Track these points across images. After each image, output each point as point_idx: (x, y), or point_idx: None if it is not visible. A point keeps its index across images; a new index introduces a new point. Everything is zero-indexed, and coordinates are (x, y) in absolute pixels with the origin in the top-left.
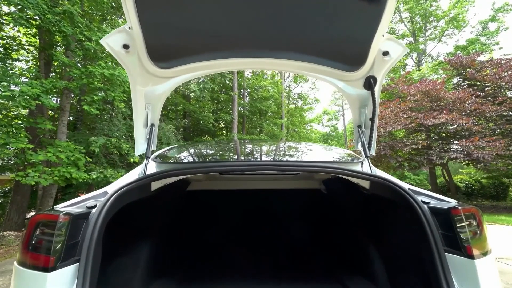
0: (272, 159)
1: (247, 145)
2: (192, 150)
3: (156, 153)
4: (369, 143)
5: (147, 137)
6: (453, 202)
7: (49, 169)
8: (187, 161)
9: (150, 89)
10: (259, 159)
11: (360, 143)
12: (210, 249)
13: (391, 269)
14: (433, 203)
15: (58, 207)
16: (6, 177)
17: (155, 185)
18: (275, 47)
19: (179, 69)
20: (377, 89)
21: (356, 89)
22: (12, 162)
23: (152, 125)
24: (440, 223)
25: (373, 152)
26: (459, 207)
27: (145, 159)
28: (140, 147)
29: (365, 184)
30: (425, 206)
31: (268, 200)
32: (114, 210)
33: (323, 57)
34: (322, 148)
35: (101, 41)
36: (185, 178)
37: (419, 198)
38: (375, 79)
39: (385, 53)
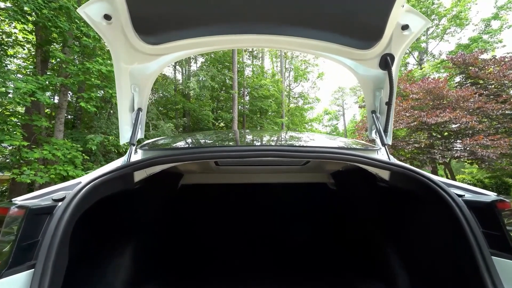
0: (276, 145)
1: (247, 135)
2: (186, 139)
3: (145, 142)
4: (385, 130)
5: (133, 122)
6: (492, 195)
7: (45, 167)
8: (176, 147)
9: (137, 67)
10: (260, 145)
11: (374, 131)
12: (205, 250)
13: (416, 274)
14: (468, 196)
15: (18, 199)
16: (2, 177)
17: (139, 176)
18: (280, 21)
19: (169, 45)
20: (395, 69)
21: (370, 69)
22: (8, 160)
23: (139, 109)
24: (480, 219)
25: (389, 140)
26: (508, 200)
27: (129, 146)
28: (126, 134)
29: (385, 175)
30: (460, 199)
31: (271, 195)
32: (88, 204)
33: (333, 32)
34: (330, 137)
35: (78, 10)
36: (176, 171)
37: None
38: (392, 57)
39: (405, 27)
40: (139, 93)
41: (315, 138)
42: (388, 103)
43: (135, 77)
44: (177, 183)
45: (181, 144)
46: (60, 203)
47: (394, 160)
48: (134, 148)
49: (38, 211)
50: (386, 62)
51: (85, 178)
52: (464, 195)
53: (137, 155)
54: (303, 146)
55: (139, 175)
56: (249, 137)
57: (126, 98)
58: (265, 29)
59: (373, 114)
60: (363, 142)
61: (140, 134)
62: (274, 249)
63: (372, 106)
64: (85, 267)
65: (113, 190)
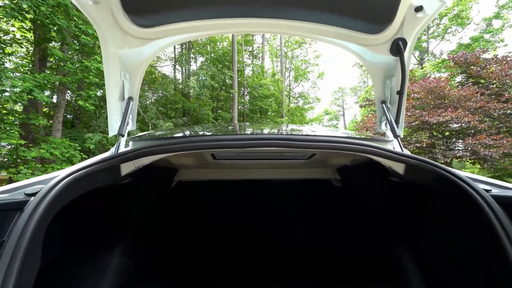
0: (280, 134)
1: (247, 128)
2: (184, 131)
3: (138, 134)
4: (397, 121)
5: (123, 112)
6: None
7: (43, 166)
8: (167, 137)
9: (127, 52)
10: (262, 134)
11: (384, 122)
12: (202, 250)
13: (432, 278)
14: (495, 191)
15: None
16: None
17: (127, 169)
18: (282, 4)
19: (163, 29)
20: (407, 54)
21: (380, 56)
22: (5, 159)
23: (130, 98)
24: None
25: (401, 132)
26: None
27: (118, 138)
28: (115, 125)
29: (399, 169)
30: (488, 195)
31: (271, 193)
32: (67, 199)
33: (340, 15)
34: (335, 130)
35: None
36: (170, 165)
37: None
38: (405, 42)
39: (418, 9)
40: (130, 81)
41: (320, 130)
42: (400, 92)
43: (125, 63)
44: (171, 178)
45: (174, 133)
46: (32, 198)
47: (407, 153)
48: (123, 139)
49: (3, 207)
50: (398, 47)
51: (65, 171)
52: (491, 190)
53: (124, 145)
54: (310, 135)
55: (126, 168)
56: (249, 129)
57: (115, 85)
58: (266, 12)
59: (383, 105)
60: (371, 134)
61: (131, 126)
62: (275, 249)
63: (382, 96)
64: (68, 268)
65: (98, 184)
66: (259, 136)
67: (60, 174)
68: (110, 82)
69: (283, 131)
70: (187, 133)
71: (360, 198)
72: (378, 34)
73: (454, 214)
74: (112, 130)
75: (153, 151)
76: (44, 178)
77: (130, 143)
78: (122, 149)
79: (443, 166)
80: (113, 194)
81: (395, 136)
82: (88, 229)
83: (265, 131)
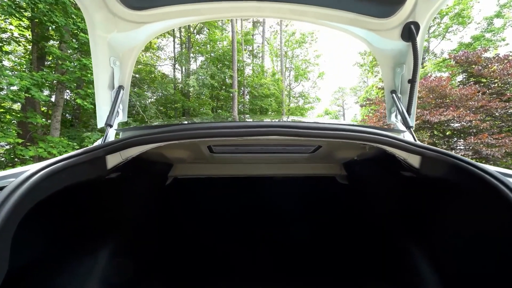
0: (284, 122)
1: (247, 119)
2: (180, 122)
3: (131, 126)
4: (408, 112)
5: (112, 101)
6: None
7: None
8: (157, 125)
9: (116, 37)
10: (264, 122)
11: (394, 114)
12: (199, 251)
13: (453, 282)
14: None
15: None
16: None
17: (113, 161)
18: None
19: (155, 12)
20: (420, 39)
21: (390, 42)
22: (2, 158)
23: (121, 87)
24: None
25: (413, 123)
26: None
27: (106, 128)
28: (104, 116)
29: (414, 162)
30: None
31: (273, 190)
32: (43, 195)
33: None
34: (341, 120)
35: None
36: (164, 159)
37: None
38: (417, 26)
39: None
40: (120, 68)
41: (325, 121)
42: (412, 80)
43: (115, 49)
44: (165, 174)
45: (168, 124)
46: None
47: (424, 144)
48: (111, 129)
49: None
50: (410, 32)
51: (41, 163)
52: None
53: (112, 136)
54: (319, 123)
55: (113, 160)
56: (249, 118)
57: (104, 73)
58: None
59: (393, 95)
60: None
61: (122, 116)
62: (275, 249)
63: (392, 86)
64: (51, 270)
65: (80, 177)
66: (261, 123)
67: (34, 167)
68: (99, 69)
69: (285, 120)
70: (180, 121)
71: (368, 195)
72: (389, 18)
73: (480, 212)
74: (101, 121)
75: (141, 141)
76: (18, 171)
77: (120, 134)
78: (109, 140)
79: (466, 158)
80: (100, 189)
81: (408, 127)
82: (74, 228)
83: (267, 119)
